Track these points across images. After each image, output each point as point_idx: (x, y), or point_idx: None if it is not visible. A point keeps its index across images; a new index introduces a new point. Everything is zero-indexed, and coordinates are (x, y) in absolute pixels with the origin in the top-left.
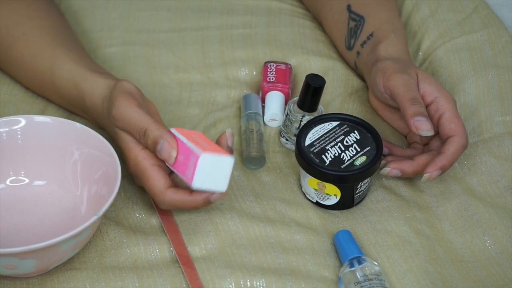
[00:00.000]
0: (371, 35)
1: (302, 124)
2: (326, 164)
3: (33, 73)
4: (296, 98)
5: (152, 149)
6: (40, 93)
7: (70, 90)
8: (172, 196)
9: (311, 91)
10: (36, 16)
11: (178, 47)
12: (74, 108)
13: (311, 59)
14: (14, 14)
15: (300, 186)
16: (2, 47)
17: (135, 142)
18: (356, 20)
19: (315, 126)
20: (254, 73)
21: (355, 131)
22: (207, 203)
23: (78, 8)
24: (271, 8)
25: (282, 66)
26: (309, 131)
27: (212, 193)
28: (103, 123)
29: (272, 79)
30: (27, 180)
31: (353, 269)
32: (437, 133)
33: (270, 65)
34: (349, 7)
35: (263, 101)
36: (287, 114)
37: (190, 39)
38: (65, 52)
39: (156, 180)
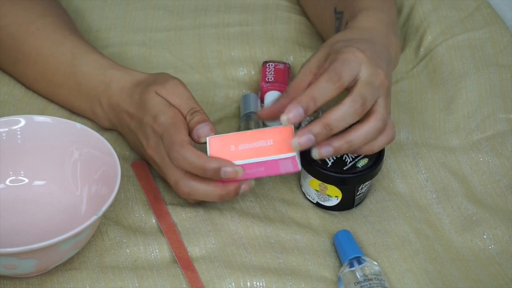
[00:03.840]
0: (347, 23)
1: (302, 124)
2: (328, 166)
3: (49, 65)
4: None
5: (193, 125)
6: (46, 89)
7: (93, 76)
8: (190, 152)
9: None
10: (48, 14)
11: (176, 46)
12: (84, 97)
13: (308, 56)
14: (26, 12)
15: (300, 186)
16: (13, 42)
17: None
18: (338, 17)
19: None
20: (253, 72)
21: None
22: (217, 172)
23: (75, 8)
24: (268, 4)
25: (281, 66)
26: None
27: (224, 163)
28: (123, 103)
29: (271, 78)
30: (26, 180)
31: (353, 269)
32: None
33: (269, 65)
34: (335, 10)
35: (262, 101)
36: None
37: (187, 38)
38: (86, 45)
39: (185, 135)
